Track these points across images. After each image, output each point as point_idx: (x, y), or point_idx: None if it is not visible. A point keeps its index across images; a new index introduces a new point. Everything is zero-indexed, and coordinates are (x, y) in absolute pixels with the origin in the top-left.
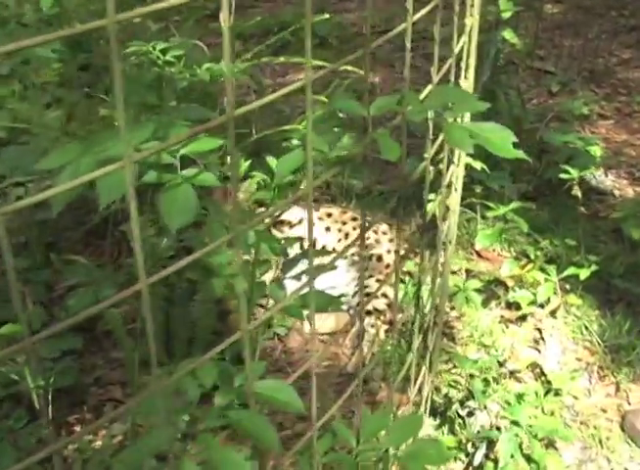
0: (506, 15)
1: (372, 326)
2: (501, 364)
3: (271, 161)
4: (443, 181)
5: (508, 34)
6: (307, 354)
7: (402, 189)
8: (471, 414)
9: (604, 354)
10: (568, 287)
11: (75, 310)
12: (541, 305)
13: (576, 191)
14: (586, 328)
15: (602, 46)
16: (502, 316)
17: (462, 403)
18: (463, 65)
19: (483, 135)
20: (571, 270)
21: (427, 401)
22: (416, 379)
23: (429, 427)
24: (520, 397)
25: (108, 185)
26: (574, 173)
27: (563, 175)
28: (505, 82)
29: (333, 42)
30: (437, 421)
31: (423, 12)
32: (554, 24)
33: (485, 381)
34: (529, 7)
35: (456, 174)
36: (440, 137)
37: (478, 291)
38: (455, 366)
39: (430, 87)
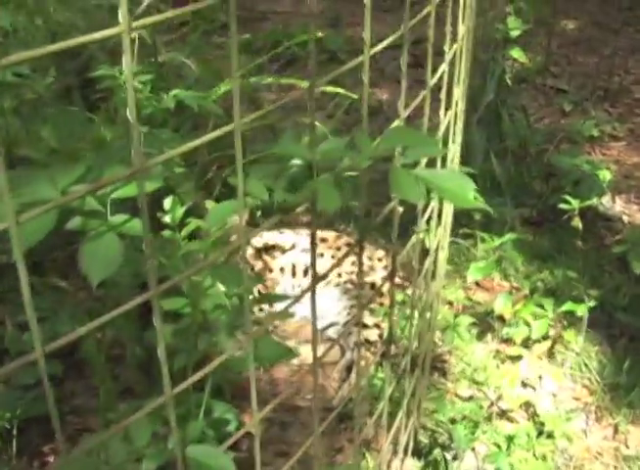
0: (514, 33)
1: (362, 359)
2: (493, 403)
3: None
4: (420, 218)
5: (516, 53)
6: (293, 386)
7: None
8: (456, 457)
9: (602, 394)
10: (567, 321)
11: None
12: (538, 341)
13: (577, 222)
14: (585, 365)
15: (618, 64)
16: (497, 351)
17: (447, 445)
18: (456, 71)
19: (438, 183)
20: (568, 306)
21: (410, 441)
22: (401, 417)
23: (412, 469)
24: (510, 439)
25: (29, 229)
26: (575, 203)
27: (563, 205)
28: (512, 102)
29: (342, 57)
30: (422, 463)
31: (418, 17)
32: (569, 41)
33: (474, 422)
34: (543, 23)
35: (441, 209)
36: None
37: (472, 325)
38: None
39: (396, 122)
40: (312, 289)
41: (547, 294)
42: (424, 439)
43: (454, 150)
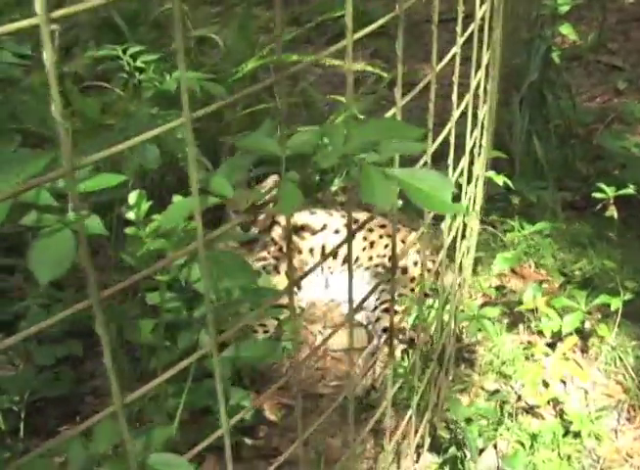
0: (564, 8)
1: (388, 345)
2: (520, 398)
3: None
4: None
5: (565, 29)
6: (316, 372)
7: None
8: (472, 456)
9: (637, 391)
10: (602, 313)
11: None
12: (570, 333)
13: (612, 211)
14: (620, 360)
15: None
16: (528, 343)
17: (465, 443)
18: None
19: (413, 184)
20: (602, 298)
21: (426, 436)
22: (424, 410)
23: (430, 465)
24: (534, 437)
25: None
26: (610, 192)
27: (597, 194)
28: (559, 81)
29: (391, 32)
30: (441, 459)
31: None
32: (631, 16)
33: (497, 418)
34: None
35: (470, 194)
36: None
37: (502, 315)
38: (471, 398)
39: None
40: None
41: (583, 284)
42: (444, 434)
43: (483, 114)
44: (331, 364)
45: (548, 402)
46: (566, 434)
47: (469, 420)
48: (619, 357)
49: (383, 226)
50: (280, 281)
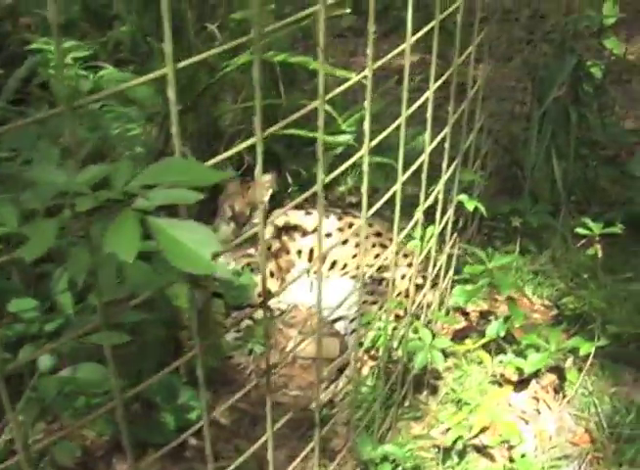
0: (609, 21)
1: (356, 361)
2: (476, 435)
3: None
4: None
5: (611, 43)
6: (280, 379)
7: None
8: None
9: (606, 442)
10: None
11: None
12: (542, 372)
13: (596, 249)
14: (595, 407)
15: None
16: (501, 376)
17: None
18: None
19: (171, 234)
20: (573, 342)
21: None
22: (375, 432)
23: None
24: None
25: None
26: (596, 229)
27: (580, 230)
28: (595, 98)
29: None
30: None
31: None
32: None
33: (445, 453)
34: None
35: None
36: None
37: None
38: (423, 428)
39: None
40: None
41: (572, 319)
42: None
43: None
44: (297, 372)
45: (502, 443)
46: None
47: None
48: (594, 404)
49: (378, 234)
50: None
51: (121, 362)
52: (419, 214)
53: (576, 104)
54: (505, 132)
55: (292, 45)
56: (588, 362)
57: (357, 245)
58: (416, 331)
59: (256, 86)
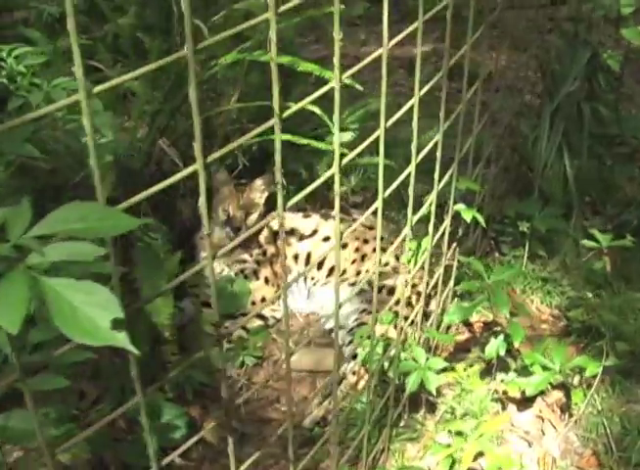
0: (626, 10)
1: (353, 373)
2: (476, 458)
3: None
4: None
5: (630, 33)
6: (272, 393)
7: None
8: None
9: (615, 467)
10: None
11: None
12: (548, 390)
13: (605, 262)
14: (604, 428)
15: None
16: (504, 393)
17: None
18: None
19: (67, 298)
20: (578, 361)
21: None
22: (367, 454)
23: None
24: None
25: None
26: (604, 241)
27: (587, 242)
28: (605, 93)
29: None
30: None
31: None
32: None
33: None
34: None
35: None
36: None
37: (470, 362)
38: (418, 450)
39: None
40: None
41: (581, 332)
42: None
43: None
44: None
45: (500, 469)
46: None
47: None
48: (603, 424)
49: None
50: (258, 287)
51: (104, 377)
52: (407, 230)
53: (591, 98)
54: (513, 128)
55: (303, 34)
56: (597, 379)
57: (357, 250)
58: (409, 349)
59: (193, 103)
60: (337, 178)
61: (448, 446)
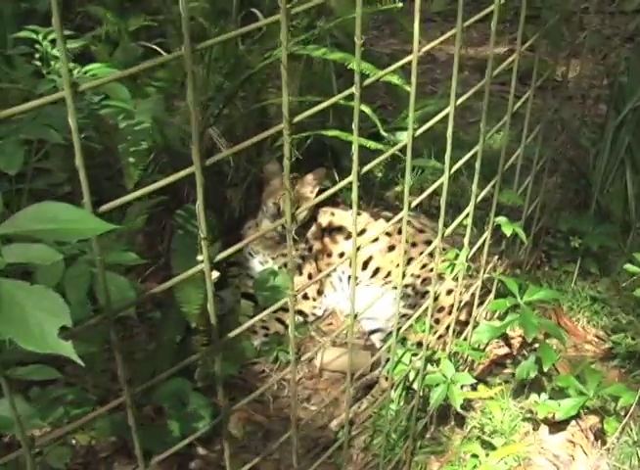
0: None
1: (386, 379)
2: None
3: None
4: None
5: None
6: (304, 391)
7: None
8: None
9: None
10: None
11: None
12: (593, 412)
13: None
14: (638, 458)
15: None
16: (536, 413)
17: None
18: None
19: (15, 299)
20: (612, 389)
21: None
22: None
23: None
24: None
25: None
26: None
27: (629, 267)
28: None
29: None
30: None
31: None
32: None
33: None
34: None
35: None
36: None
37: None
38: (441, 464)
39: None
40: None
41: (625, 357)
42: None
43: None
44: (323, 385)
45: None
46: None
47: None
48: (637, 456)
49: (428, 242)
50: (300, 282)
51: (136, 362)
52: (437, 241)
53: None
54: (573, 140)
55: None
56: (632, 408)
57: (405, 252)
58: (437, 362)
59: (191, 106)
60: (355, 186)
61: (474, 466)
